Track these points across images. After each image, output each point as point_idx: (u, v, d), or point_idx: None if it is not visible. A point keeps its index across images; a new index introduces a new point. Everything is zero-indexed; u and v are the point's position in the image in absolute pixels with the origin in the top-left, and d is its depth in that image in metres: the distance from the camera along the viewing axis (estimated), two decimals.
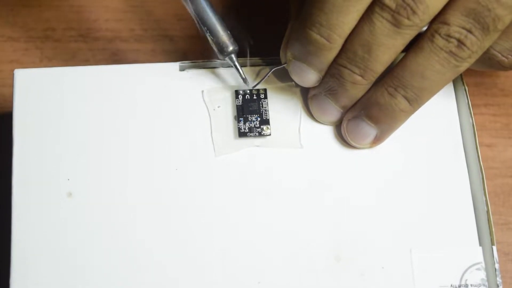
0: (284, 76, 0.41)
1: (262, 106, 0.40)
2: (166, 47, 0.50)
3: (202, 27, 0.39)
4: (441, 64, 0.36)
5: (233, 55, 0.40)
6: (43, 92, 0.40)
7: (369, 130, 0.39)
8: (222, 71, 0.41)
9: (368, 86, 0.38)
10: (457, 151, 0.40)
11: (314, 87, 0.39)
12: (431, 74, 0.36)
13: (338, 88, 0.38)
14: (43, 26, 0.50)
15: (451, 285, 0.38)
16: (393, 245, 0.38)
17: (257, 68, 0.41)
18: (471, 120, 0.40)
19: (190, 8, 0.40)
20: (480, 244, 0.38)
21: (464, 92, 0.41)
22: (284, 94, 0.41)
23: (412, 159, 0.40)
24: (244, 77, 0.40)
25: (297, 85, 0.40)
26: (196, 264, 0.38)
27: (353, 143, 0.39)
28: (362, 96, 0.39)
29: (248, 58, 0.41)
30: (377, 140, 0.39)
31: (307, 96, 0.40)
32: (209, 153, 0.39)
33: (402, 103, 0.37)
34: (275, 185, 0.39)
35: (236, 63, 0.40)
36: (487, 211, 0.39)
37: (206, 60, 0.41)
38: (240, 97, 0.40)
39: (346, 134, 0.39)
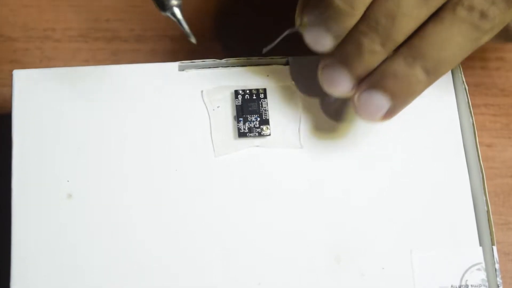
0: (284, 76, 0.41)
1: (262, 106, 0.40)
2: (166, 47, 0.50)
3: None
4: (462, 35, 0.35)
5: (175, 9, 0.37)
6: (42, 92, 0.40)
7: (382, 102, 0.37)
8: (221, 71, 0.41)
9: (385, 56, 0.37)
10: (457, 151, 0.40)
11: (326, 57, 0.38)
12: (452, 46, 0.36)
13: (355, 56, 0.37)
14: (43, 26, 0.50)
15: (452, 286, 0.38)
16: (393, 245, 0.38)
17: (257, 68, 0.41)
18: (471, 120, 0.40)
19: None
20: (480, 244, 0.38)
21: (464, 92, 0.41)
22: (284, 94, 0.41)
23: (412, 159, 0.40)
24: (188, 32, 0.38)
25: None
26: (196, 265, 0.38)
27: (364, 117, 0.38)
28: (377, 67, 0.37)
29: (248, 57, 0.41)
30: (389, 114, 0.38)
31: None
32: (209, 153, 0.39)
33: (420, 74, 0.36)
34: (275, 185, 0.39)
35: (180, 17, 0.37)
36: (487, 211, 0.39)
37: (205, 60, 0.41)
38: (240, 97, 0.40)
39: (358, 107, 0.38)
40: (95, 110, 0.40)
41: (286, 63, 0.41)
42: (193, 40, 0.38)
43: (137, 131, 0.39)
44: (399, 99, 0.37)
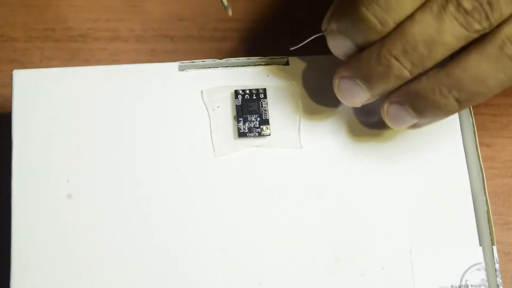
0: (284, 76, 0.41)
1: (262, 106, 0.40)
2: (166, 47, 0.50)
3: None
4: (505, 73, 0.35)
5: None
6: (42, 92, 0.40)
7: (410, 119, 0.37)
8: (221, 71, 0.41)
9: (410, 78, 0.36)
10: (457, 151, 0.40)
11: (345, 68, 0.38)
12: (492, 82, 0.35)
13: (379, 77, 0.36)
14: (43, 26, 0.50)
15: (451, 286, 0.38)
16: (393, 245, 0.38)
17: (257, 68, 0.41)
18: (471, 120, 0.40)
19: None
20: (480, 244, 0.38)
21: None
22: (283, 94, 0.41)
23: (412, 159, 0.40)
24: (226, 5, 0.38)
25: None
26: (196, 264, 0.38)
27: (390, 125, 0.38)
28: (408, 84, 0.37)
29: (248, 57, 0.41)
30: (415, 127, 0.38)
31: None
32: (209, 153, 0.39)
33: (453, 105, 0.36)
34: (275, 185, 0.39)
35: None
36: (487, 211, 0.39)
37: (205, 60, 0.41)
38: (240, 97, 0.40)
39: (386, 116, 0.38)
40: (95, 110, 0.40)
41: (286, 63, 0.41)
42: (229, 12, 0.38)
43: (137, 131, 0.39)
44: (426, 120, 0.37)
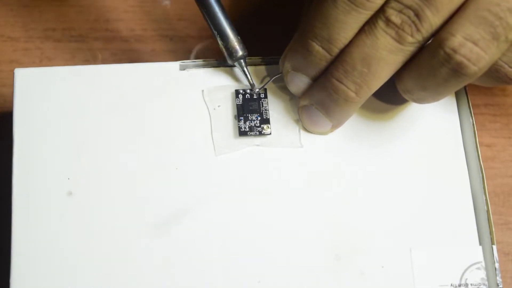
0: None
1: (262, 105, 0.40)
2: (166, 47, 0.50)
3: (213, 30, 0.40)
4: (444, 77, 0.35)
5: (242, 60, 0.40)
6: (43, 91, 0.40)
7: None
8: (222, 70, 0.41)
9: (360, 104, 0.38)
10: (457, 151, 0.40)
11: (304, 98, 0.39)
12: (431, 85, 0.36)
13: (330, 102, 0.38)
14: (43, 26, 0.50)
15: (451, 284, 0.38)
16: (393, 244, 0.38)
17: (257, 68, 0.41)
18: (471, 120, 0.40)
19: (202, 12, 0.40)
20: (480, 244, 0.38)
21: (464, 92, 0.41)
22: (284, 93, 0.41)
23: (412, 158, 0.40)
24: (252, 82, 0.40)
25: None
26: (196, 263, 0.38)
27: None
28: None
29: (249, 57, 0.41)
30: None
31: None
32: (210, 152, 0.39)
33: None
34: (275, 184, 0.39)
35: (245, 69, 0.40)
36: (487, 211, 0.39)
37: (206, 60, 0.41)
38: (240, 96, 0.40)
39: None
40: (96, 108, 0.40)
41: None
42: (255, 89, 0.40)
43: (137, 130, 0.40)
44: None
